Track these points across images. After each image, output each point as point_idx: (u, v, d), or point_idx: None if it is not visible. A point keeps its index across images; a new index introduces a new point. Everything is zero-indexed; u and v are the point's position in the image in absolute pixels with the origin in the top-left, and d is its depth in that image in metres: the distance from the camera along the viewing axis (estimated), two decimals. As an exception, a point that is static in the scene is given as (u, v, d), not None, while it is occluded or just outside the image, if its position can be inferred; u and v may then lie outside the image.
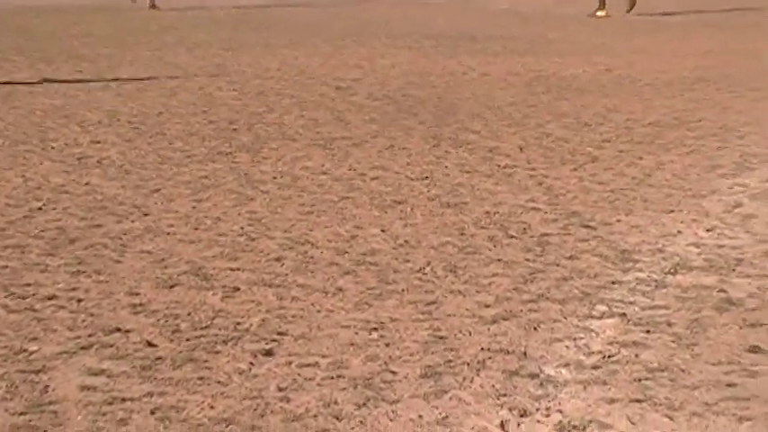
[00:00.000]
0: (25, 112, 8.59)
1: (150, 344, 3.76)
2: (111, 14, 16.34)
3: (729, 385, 3.40)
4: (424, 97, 9.44)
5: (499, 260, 4.82)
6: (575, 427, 3.12)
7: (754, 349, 3.72)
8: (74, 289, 4.39)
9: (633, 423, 3.15)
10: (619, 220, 5.51)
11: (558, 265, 4.75)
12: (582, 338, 3.84)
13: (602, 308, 4.17)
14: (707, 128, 8.05)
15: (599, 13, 16.90)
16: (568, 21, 16.24)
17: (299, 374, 3.48)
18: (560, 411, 3.22)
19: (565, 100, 9.34)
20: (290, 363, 3.58)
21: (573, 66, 11.50)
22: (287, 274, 4.61)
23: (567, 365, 3.57)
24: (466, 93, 9.73)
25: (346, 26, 15.25)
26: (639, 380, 3.44)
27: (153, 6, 18.79)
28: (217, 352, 3.68)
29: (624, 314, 4.09)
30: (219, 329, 3.91)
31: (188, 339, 3.80)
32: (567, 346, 3.75)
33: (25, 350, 3.68)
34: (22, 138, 7.59)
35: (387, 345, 3.76)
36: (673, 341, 3.81)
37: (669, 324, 4.00)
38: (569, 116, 8.56)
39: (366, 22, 15.67)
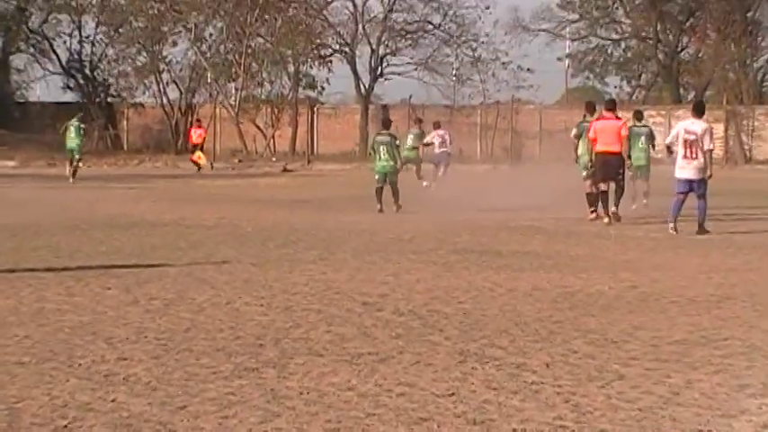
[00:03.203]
0: (53, 330, 8.64)
1: None
2: (137, 231, 16.61)
3: None
4: (450, 312, 9.48)
5: (528, 480, 4.76)
6: None
7: None
8: None
9: None
10: (648, 440, 5.45)
11: (587, 485, 4.68)
12: None
13: None
14: (734, 347, 8.03)
15: None
16: (591, 237, 16.40)
17: None
18: None
19: (591, 316, 9.35)
20: None
21: (598, 282, 11.55)
22: (313, 494, 4.56)
23: None
24: (492, 308, 9.76)
25: (372, 242, 15.43)
26: None
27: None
28: None
29: None
30: None
31: None
32: None
33: None
34: (48, 355, 7.62)
35: None
36: None
37: None
38: (596, 333, 8.56)
39: (392, 239, 15.87)
